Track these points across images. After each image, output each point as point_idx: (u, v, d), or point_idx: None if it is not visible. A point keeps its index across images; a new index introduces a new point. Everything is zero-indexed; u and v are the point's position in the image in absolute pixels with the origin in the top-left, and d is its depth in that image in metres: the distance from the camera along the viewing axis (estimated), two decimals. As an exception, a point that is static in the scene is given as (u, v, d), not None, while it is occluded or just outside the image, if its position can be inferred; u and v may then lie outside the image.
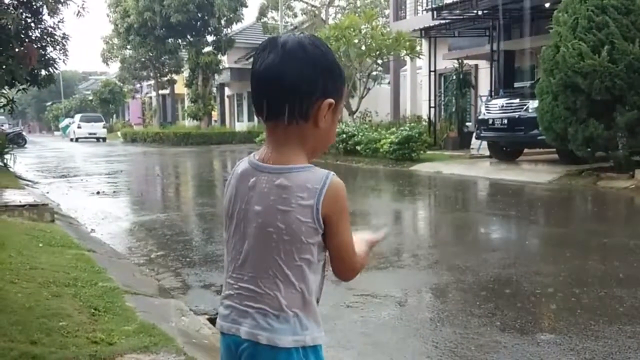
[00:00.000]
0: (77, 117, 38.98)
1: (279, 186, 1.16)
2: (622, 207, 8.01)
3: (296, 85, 1.15)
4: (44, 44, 11.60)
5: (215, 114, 34.86)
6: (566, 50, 9.03)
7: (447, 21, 16.01)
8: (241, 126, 32.56)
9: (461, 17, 15.30)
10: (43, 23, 11.51)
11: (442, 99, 17.60)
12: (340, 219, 1.19)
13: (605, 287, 3.92)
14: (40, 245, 4.59)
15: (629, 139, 8.98)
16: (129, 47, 32.77)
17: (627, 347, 2.90)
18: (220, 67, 30.50)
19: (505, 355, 2.87)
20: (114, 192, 9.92)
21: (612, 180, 9.00)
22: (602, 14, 8.89)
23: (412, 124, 15.00)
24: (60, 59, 12.01)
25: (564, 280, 4.14)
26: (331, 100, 1.19)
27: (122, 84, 43.54)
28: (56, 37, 11.71)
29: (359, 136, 14.98)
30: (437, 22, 16.01)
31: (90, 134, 36.41)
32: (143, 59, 34.43)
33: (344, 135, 15.39)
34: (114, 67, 43.58)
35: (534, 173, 10.71)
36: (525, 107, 11.38)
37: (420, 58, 18.65)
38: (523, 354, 2.87)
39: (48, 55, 11.81)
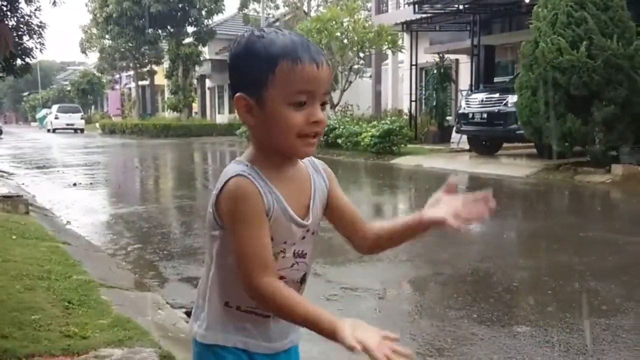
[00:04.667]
0: (55, 107, 38.38)
1: None
2: (598, 201, 8.13)
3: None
4: (20, 33, 11.38)
5: (195, 106, 34.58)
6: (545, 45, 9.10)
7: (428, 15, 16.04)
8: (222, 118, 32.35)
9: (442, 11, 15.34)
10: (19, 11, 11.29)
11: (423, 93, 17.65)
12: (229, 224, 1.10)
13: (581, 280, 3.97)
14: (14, 237, 4.50)
15: (605, 134, 9.10)
16: (107, 37, 32.33)
17: (601, 340, 2.94)
18: (201, 59, 30.23)
19: (482, 347, 2.89)
20: (91, 184, 9.79)
21: (589, 174, 9.12)
22: (581, 9, 8.98)
23: (393, 118, 15.03)
24: (36, 48, 11.83)
25: (540, 273, 4.18)
26: (240, 94, 1.12)
27: (100, 75, 42.97)
28: (32, 25, 11.51)
29: (340, 129, 14.97)
30: (418, 16, 16.03)
31: (67, 125, 35.87)
32: (122, 49, 33.98)
33: (325, 128, 15.32)
34: (93, 57, 42.95)
35: (513, 167, 10.81)
36: (504, 102, 11.47)
37: (401, 52, 18.68)
38: (499, 346, 2.89)
39: (24, 44, 11.60)
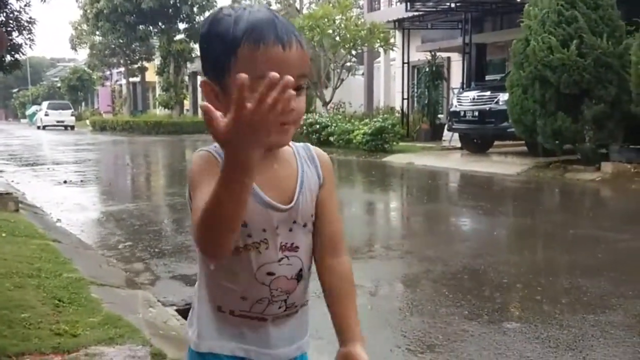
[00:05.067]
0: (45, 104, 38.18)
1: None
2: (588, 199, 8.18)
3: None
4: (9, 29, 11.30)
5: (187, 103, 34.47)
6: (536, 44, 9.15)
7: (420, 13, 16.07)
8: (214, 115, 32.24)
9: (434, 9, 15.37)
10: (9, 7, 11.21)
11: (415, 90, 17.70)
12: (191, 190, 1.02)
13: (570, 277, 4.00)
14: (4, 235, 4.47)
15: (595, 132, 9.17)
16: (98, 33, 32.12)
17: (590, 336, 2.97)
18: (193, 55, 30.11)
19: (472, 343, 2.90)
20: (82, 181, 9.74)
21: (579, 172, 9.18)
22: (571, 8, 9.03)
23: (385, 116, 15.05)
24: (26, 44, 11.73)
25: (531, 270, 4.21)
26: (204, 80, 1.04)
27: (91, 71, 42.69)
28: (22, 21, 11.43)
29: (332, 127, 14.98)
30: (410, 14, 16.06)
31: (58, 121, 35.70)
32: (113, 46, 33.78)
33: (317, 126, 15.36)
34: (83, 54, 42.70)
35: (504, 165, 10.86)
36: (495, 100, 11.52)
37: (393, 50, 18.71)
38: (490, 342, 2.91)
39: (14, 40, 11.51)
